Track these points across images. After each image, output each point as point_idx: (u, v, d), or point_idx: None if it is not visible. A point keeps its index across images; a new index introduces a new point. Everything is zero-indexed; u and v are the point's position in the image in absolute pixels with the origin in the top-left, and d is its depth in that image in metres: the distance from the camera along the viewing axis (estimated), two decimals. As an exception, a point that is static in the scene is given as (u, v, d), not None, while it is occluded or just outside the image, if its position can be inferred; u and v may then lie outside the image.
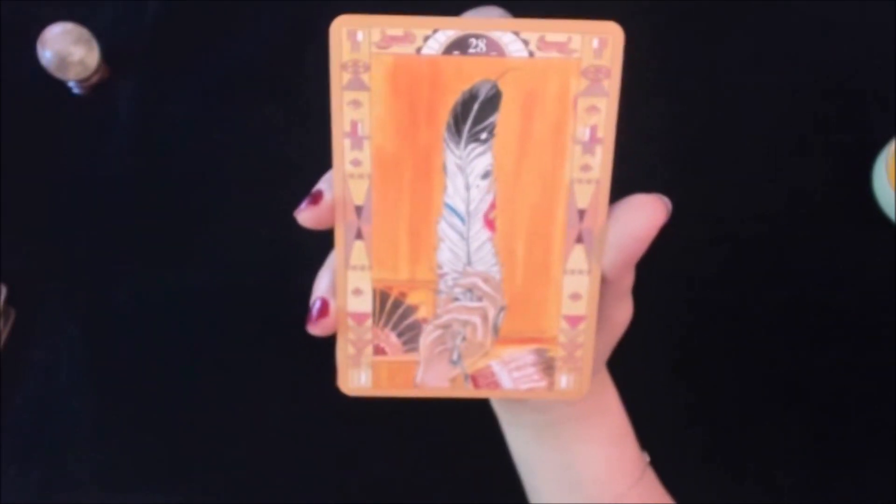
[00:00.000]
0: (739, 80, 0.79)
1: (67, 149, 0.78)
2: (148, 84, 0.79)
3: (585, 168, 0.36)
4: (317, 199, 0.37)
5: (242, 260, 0.75)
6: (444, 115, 0.36)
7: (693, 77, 0.79)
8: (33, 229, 0.76)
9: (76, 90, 0.77)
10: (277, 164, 0.77)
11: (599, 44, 0.35)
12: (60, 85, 0.77)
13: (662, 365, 0.73)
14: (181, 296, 0.75)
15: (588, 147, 0.36)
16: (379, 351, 0.39)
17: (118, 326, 0.74)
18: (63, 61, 0.73)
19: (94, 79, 0.76)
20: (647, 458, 0.49)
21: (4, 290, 0.72)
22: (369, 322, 0.39)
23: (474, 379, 0.39)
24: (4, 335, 0.72)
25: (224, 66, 0.80)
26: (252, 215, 0.76)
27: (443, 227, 0.37)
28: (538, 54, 0.35)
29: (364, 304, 0.38)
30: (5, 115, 0.78)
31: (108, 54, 0.77)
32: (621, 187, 0.38)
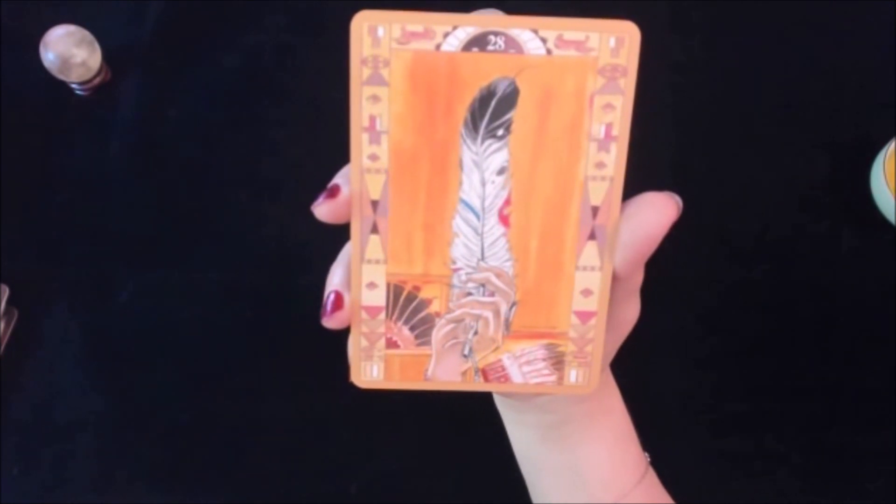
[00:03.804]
0: (739, 82, 0.80)
1: (69, 149, 0.78)
2: (149, 85, 0.80)
3: (600, 165, 0.37)
4: (334, 193, 0.37)
5: (242, 260, 0.76)
6: (462, 112, 0.36)
7: (693, 78, 0.80)
8: (35, 230, 0.76)
9: (78, 91, 0.78)
10: (277, 164, 0.77)
11: (616, 43, 0.35)
12: (63, 86, 0.77)
13: (664, 365, 0.73)
14: (181, 296, 0.75)
15: (603, 144, 0.36)
16: (391, 344, 0.39)
17: (118, 326, 0.74)
18: (65, 63, 0.73)
19: (96, 80, 0.77)
20: (649, 459, 0.50)
21: (6, 291, 0.72)
22: (382, 315, 0.39)
23: (485, 373, 0.40)
24: (6, 335, 0.72)
25: (224, 66, 0.80)
26: (252, 215, 0.76)
27: (458, 223, 0.37)
28: (556, 52, 0.35)
29: (378, 297, 0.38)
30: (7, 116, 0.78)
31: (110, 56, 0.77)
32: (630, 185, 0.39)
